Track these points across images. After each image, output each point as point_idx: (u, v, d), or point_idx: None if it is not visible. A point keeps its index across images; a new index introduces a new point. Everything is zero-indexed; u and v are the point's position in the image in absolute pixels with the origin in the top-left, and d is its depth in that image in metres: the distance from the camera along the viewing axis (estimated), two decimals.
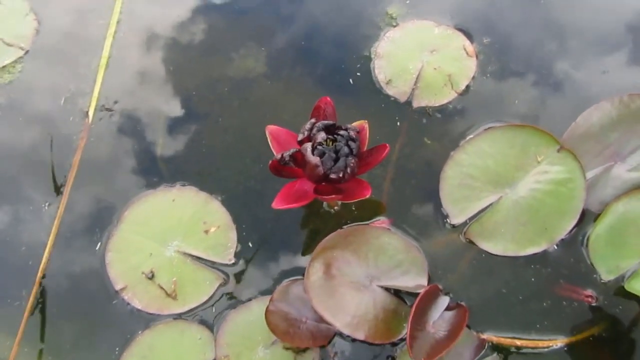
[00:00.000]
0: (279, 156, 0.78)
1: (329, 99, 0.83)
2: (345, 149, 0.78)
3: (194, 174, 0.98)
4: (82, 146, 1.01)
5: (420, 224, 0.91)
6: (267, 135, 0.84)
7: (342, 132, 0.79)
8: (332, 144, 0.78)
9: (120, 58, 1.09)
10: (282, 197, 0.82)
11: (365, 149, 0.85)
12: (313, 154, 0.77)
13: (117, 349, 0.86)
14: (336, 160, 0.78)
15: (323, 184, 0.82)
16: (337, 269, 0.86)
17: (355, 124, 0.84)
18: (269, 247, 0.93)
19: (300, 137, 0.79)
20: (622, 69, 1.02)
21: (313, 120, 0.80)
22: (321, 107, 0.83)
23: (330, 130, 0.79)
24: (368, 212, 0.93)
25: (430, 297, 0.82)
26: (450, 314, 0.83)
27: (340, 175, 0.78)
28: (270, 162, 0.79)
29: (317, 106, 0.84)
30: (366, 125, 0.84)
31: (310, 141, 0.79)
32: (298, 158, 0.80)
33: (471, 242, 0.89)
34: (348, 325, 0.81)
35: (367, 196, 0.79)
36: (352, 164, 0.79)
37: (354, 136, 0.79)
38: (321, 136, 0.78)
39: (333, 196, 0.80)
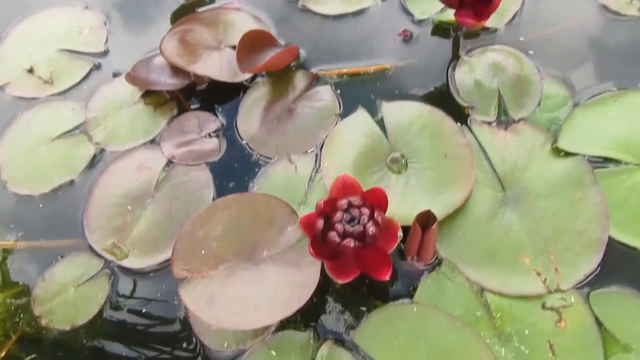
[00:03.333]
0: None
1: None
2: None
3: None
4: None
5: (265, 3, 1.04)
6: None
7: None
8: None
9: None
10: None
11: None
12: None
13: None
14: None
15: None
16: (191, 37, 0.98)
17: None
18: (137, 35, 1.05)
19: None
20: None
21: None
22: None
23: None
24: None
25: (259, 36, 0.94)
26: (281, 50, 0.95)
27: None
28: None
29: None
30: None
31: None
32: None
33: (309, 10, 1.02)
34: (201, 68, 0.93)
35: None
36: None
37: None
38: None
39: None
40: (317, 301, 0.74)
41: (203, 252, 0.73)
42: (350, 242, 0.63)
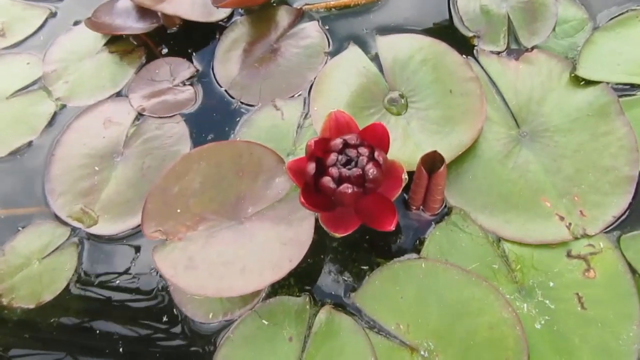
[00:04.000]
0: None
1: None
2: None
3: None
4: None
5: None
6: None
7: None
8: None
9: None
10: None
11: None
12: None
13: None
14: None
15: None
16: None
17: None
18: None
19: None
20: None
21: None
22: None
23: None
24: None
25: None
26: None
27: None
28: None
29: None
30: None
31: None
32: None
33: None
34: (170, 7, 0.82)
35: None
36: None
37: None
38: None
39: None
40: (312, 262, 0.65)
41: (179, 210, 0.63)
42: (347, 188, 0.54)
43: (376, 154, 0.55)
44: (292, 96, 0.77)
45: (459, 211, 0.66)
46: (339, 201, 0.56)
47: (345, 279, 0.66)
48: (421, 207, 0.67)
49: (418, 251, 0.65)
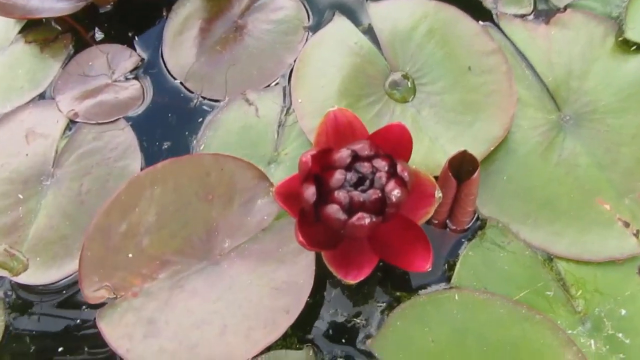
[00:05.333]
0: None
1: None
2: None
3: None
4: None
5: None
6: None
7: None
8: None
9: None
10: None
11: None
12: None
13: None
14: None
15: None
16: None
17: None
18: None
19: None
20: None
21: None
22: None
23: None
24: None
25: None
26: None
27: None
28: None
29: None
30: None
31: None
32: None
33: None
34: None
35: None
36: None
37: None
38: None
39: None
40: (312, 301, 0.51)
41: (130, 255, 0.47)
42: (363, 219, 0.38)
43: (399, 167, 0.39)
44: (268, 86, 0.60)
45: (496, 223, 0.52)
46: (350, 234, 0.41)
47: (358, 321, 0.51)
48: (447, 220, 0.52)
49: (448, 279, 0.51)
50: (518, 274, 0.50)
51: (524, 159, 0.54)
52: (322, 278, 0.50)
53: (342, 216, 0.39)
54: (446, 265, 0.52)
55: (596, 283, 0.49)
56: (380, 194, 0.39)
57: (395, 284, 0.52)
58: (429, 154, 0.54)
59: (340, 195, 0.39)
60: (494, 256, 0.51)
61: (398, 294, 0.51)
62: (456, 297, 0.49)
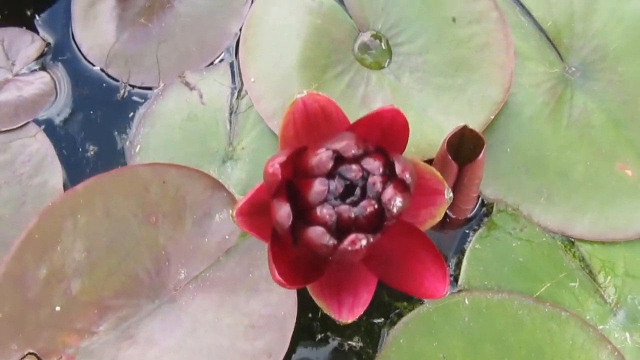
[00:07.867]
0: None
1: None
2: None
3: None
4: None
5: None
6: None
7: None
8: None
9: None
10: None
11: None
12: None
13: None
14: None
15: None
16: None
17: None
18: None
19: None
20: None
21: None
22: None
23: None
24: None
25: None
26: None
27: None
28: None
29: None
30: None
31: None
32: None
33: None
34: None
35: None
36: None
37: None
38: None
39: None
40: (297, 326, 0.41)
41: (58, 307, 0.36)
42: (357, 242, 0.29)
43: (398, 167, 0.29)
44: (211, 63, 0.49)
45: (504, 207, 0.43)
46: (341, 260, 0.31)
47: (354, 344, 0.42)
48: (447, 210, 0.43)
49: (454, 280, 0.43)
50: (536, 265, 0.43)
51: (528, 124, 0.45)
52: (304, 294, 0.41)
53: (329, 241, 0.29)
54: (450, 263, 0.43)
55: (626, 265, 0.42)
56: (376, 206, 0.29)
57: (392, 293, 0.43)
58: (417, 130, 0.44)
59: (325, 212, 0.29)
60: (505, 247, 0.43)
61: (397, 305, 0.43)
62: (466, 302, 0.41)
